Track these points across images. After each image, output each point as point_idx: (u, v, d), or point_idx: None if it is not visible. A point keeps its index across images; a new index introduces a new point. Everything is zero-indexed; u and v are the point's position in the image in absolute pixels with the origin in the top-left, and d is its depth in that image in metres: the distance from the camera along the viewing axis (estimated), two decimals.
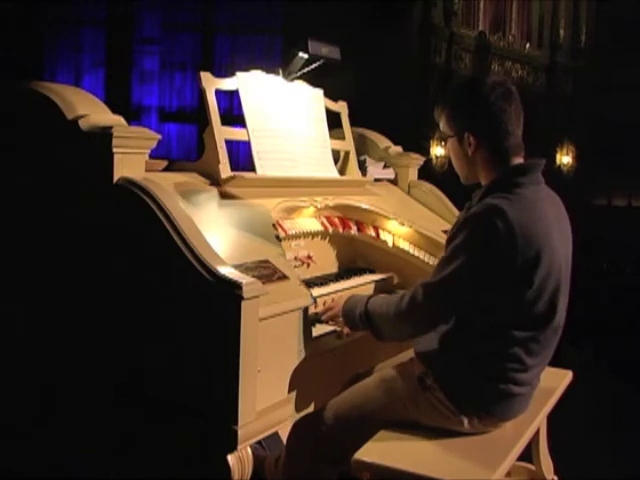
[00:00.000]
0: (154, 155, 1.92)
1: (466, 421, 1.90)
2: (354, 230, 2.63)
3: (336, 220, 2.56)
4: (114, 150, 1.75)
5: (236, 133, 2.27)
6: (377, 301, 1.97)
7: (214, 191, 2.09)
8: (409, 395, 1.95)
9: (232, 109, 3.69)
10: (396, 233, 2.71)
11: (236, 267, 1.71)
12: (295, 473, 2.05)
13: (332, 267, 2.71)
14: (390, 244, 2.71)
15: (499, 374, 1.87)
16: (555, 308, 1.87)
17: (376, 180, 2.88)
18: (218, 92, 2.20)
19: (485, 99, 1.89)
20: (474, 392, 1.88)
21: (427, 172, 3.30)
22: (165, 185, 1.80)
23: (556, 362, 2.26)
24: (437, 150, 9.34)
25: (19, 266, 2.01)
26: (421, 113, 8.81)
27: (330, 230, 2.53)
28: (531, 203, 1.84)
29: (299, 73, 2.53)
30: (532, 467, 2.49)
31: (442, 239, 2.52)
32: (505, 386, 1.87)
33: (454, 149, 2.01)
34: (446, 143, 2.07)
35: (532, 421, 2.05)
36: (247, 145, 2.26)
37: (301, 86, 2.58)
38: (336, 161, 2.69)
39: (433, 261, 2.65)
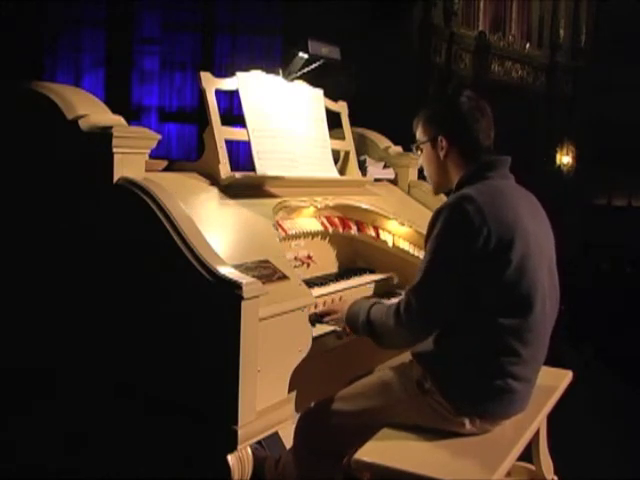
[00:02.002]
0: (154, 155, 1.92)
1: (467, 422, 1.90)
2: (354, 230, 2.63)
3: (336, 220, 2.56)
4: (114, 150, 1.75)
5: (236, 133, 2.27)
6: (377, 311, 1.98)
7: (214, 191, 2.09)
8: (408, 399, 1.95)
9: (232, 109, 3.69)
10: (396, 233, 2.71)
11: (236, 267, 1.71)
12: (302, 468, 2.06)
13: (332, 267, 2.71)
14: (390, 244, 2.71)
15: (496, 370, 1.88)
16: (537, 290, 1.88)
17: (376, 180, 2.88)
18: (218, 92, 2.20)
19: (460, 106, 2.02)
20: (472, 392, 1.88)
21: None
22: (165, 185, 1.80)
23: (556, 362, 2.26)
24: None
25: (19, 266, 2.01)
26: None
27: (330, 230, 2.53)
28: (499, 190, 1.93)
29: (299, 73, 2.53)
30: (532, 467, 2.49)
31: None
32: (502, 382, 1.87)
33: (427, 154, 2.12)
34: (420, 152, 2.16)
35: (532, 421, 2.05)
36: (247, 145, 2.26)
37: (301, 86, 2.58)
38: (336, 161, 2.69)
39: None
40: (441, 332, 1.90)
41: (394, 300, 1.99)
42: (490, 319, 1.85)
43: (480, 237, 1.80)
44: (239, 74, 2.30)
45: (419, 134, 2.15)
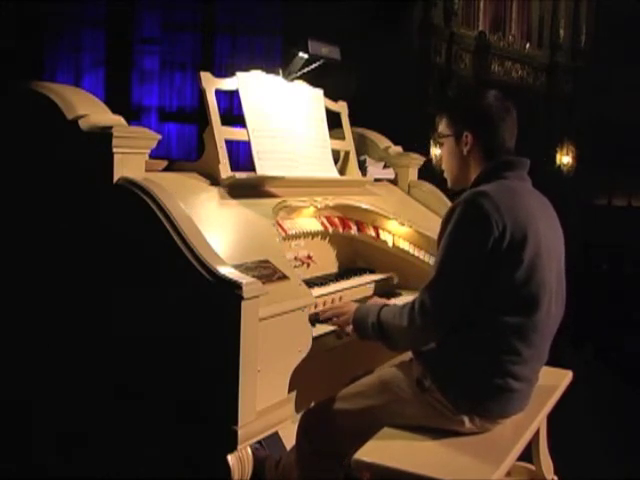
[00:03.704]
0: (154, 155, 1.92)
1: (467, 420, 1.90)
2: (354, 230, 2.63)
3: (336, 220, 2.56)
4: (114, 150, 1.75)
5: (236, 133, 2.27)
6: (388, 312, 1.96)
7: (214, 191, 2.09)
8: (408, 397, 1.95)
9: (232, 109, 3.69)
10: (396, 233, 2.71)
11: (236, 267, 1.71)
12: (303, 468, 2.06)
13: (332, 267, 2.71)
14: (390, 244, 2.72)
15: (496, 368, 1.87)
16: (545, 291, 1.88)
17: (376, 180, 2.88)
18: (218, 92, 2.20)
19: (489, 105, 2.02)
20: (472, 390, 1.88)
21: (427, 172, 3.29)
22: (165, 185, 1.80)
23: (556, 362, 2.26)
24: (437, 150, 9.33)
25: (19, 267, 2.01)
26: (421, 113, 8.80)
27: (330, 230, 2.53)
28: (514, 190, 1.93)
29: (299, 73, 2.53)
30: (532, 467, 2.49)
31: None
32: (503, 381, 1.87)
33: (450, 149, 2.10)
34: (440, 146, 2.15)
35: (532, 421, 2.05)
36: (247, 145, 2.26)
37: (301, 86, 2.58)
38: (336, 161, 2.69)
39: (433, 261, 2.64)
40: None
41: (399, 300, 1.98)
42: (495, 317, 1.84)
43: (496, 232, 1.80)
44: (239, 74, 2.30)
45: (443, 127, 2.13)
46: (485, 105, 2.03)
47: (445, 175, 2.17)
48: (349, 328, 2.10)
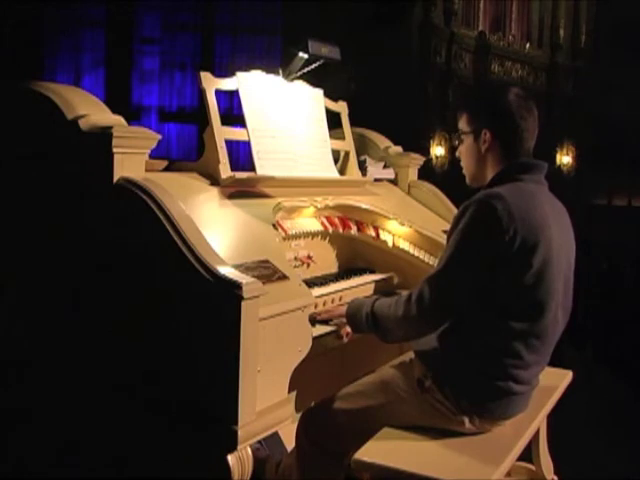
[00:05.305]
0: (154, 155, 1.92)
1: (467, 420, 1.90)
2: (354, 230, 2.63)
3: (336, 220, 2.56)
4: (114, 150, 1.75)
5: (236, 133, 2.27)
6: (383, 302, 1.95)
7: (214, 191, 2.09)
8: (408, 397, 1.95)
9: (232, 109, 3.70)
10: (396, 233, 2.71)
11: (236, 267, 1.71)
12: (303, 469, 2.06)
13: (332, 267, 2.71)
14: (390, 244, 2.72)
15: (498, 371, 1.87)
16: (552, 298, 1.87)
17: (376, 180, 2.88)
18: (218, 92, 2.20)
19: (509, 103, 1.97)
20: (473, 391, 1.88)
21: (427, 172, 3.30)
22: (165, 185, 1.80)
23: (556, 362, 2.26)
24: (437, 150, 9.33)
25: (19, 267, 2.01)
26: (421, 113, 8.81)
27: (330, 230, 2.53)
28: (529, 193, 1.89)
29: (299, 73, 2.53)
30: (532, 467, 2.49)
31: (442, 239, 2.52)
32: (504, 384, 1.87)
33: (468, 146, 2.06)
34: (460, 142, 2.10)
35: (532, 421, 2.05)
36: (247, 145, 2.26)
37: (301, 86, 2.58)
38: (336, 161, 2.69)
39: (433, 261, 2.65)
40: (447, 330, 1.89)
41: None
42: (501, 321, 1.84)
43: (506, 236, 1.78)
44: (239, 74, 2.30)
45: (462, 124, 2.08)
46: (506, 103, 1.97)
47: (463, 172, 2.13)
48: (348, 329, 2.10)
